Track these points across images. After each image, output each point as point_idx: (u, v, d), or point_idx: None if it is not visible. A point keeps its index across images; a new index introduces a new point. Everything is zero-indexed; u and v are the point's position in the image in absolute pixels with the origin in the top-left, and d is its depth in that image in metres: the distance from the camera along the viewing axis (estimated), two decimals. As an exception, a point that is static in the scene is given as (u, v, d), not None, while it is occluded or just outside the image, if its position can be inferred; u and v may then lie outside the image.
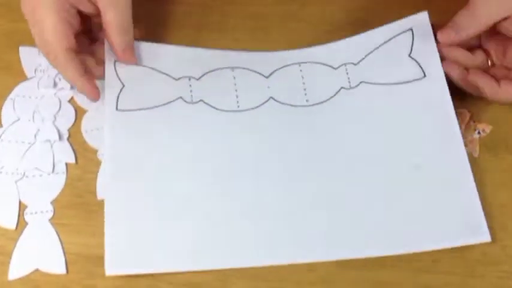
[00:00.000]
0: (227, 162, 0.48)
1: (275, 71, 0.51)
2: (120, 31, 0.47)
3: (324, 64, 0.51)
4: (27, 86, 0.52)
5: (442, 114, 0.48)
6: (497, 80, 0.47)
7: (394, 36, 0.51)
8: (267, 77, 0.51)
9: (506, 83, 0.46)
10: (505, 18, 0.45)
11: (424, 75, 0.49)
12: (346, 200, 0.46)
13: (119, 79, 0.49)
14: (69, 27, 0.46)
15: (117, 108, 0.49)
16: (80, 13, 0.47)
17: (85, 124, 0.50)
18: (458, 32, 0.47)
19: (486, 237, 0.45)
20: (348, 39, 0.52)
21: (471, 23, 0.46)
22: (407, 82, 0.50)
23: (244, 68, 0.51)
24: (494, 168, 0.48)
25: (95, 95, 0.48)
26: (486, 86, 0.46)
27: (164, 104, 0.49)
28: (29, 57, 0.52)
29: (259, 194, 0.47)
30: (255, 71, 0.51)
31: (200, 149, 0.48)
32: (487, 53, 0.49)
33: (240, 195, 0.47)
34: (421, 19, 0.51)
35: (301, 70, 0.51)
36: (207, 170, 0.47)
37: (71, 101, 0.51)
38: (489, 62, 0.49)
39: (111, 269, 0.44)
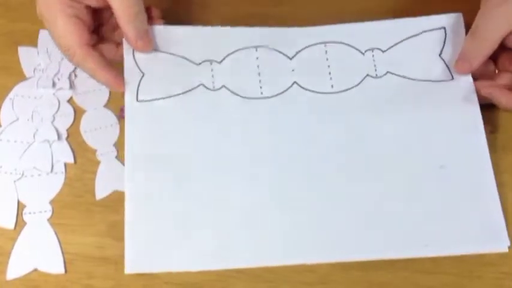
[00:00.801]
0: (251, 153, 0.47)
1: (300, 51, 0.50)
2: (129, 19, 0.46)
3: (350, 46, 0.50)
4: (26, 86, 0.52)
5: (469, 118, 0.48)
6: (510, 89, 0.47)
7: (426, 31, 0.50)
8: (291, 59, 0.50)
9: None
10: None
11: (452, 78, 0.49)
12: (365, 199, 0.46)
13: (138, 68, 0.48)
14: (78, 22, 0.46)
15: (137, 99, 0.48)
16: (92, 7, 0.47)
17: (84, 124, 0.50)
18: (471, 62, 0.47)
19: (504, 247, 0.45)
20: (376, 22, 0.51)
21: (479, 48, 0.46)
22: (434, 81, 0.49)
23: (268, 48, 0.50)
24: (494, 168, 0.48)
25: (119, 86, 0.47)
26: (501, 97, 0.46)
27: (185, 92, 0.48)
28: (28, 57, 0.53)
29: (282, 188, 0.46)
30: (279, 51, 0.50)
31: (223, 140, 0.47)
32: (494, 63, 0.49)
33: (263, 189, 0.46)
34: (455, 20, 0.50)
35: (326, 51, 0.50)
36: (229, 162, 0.46)
37: (70, 101, 0.51)
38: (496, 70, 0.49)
39: (132, 267, 0.44)
